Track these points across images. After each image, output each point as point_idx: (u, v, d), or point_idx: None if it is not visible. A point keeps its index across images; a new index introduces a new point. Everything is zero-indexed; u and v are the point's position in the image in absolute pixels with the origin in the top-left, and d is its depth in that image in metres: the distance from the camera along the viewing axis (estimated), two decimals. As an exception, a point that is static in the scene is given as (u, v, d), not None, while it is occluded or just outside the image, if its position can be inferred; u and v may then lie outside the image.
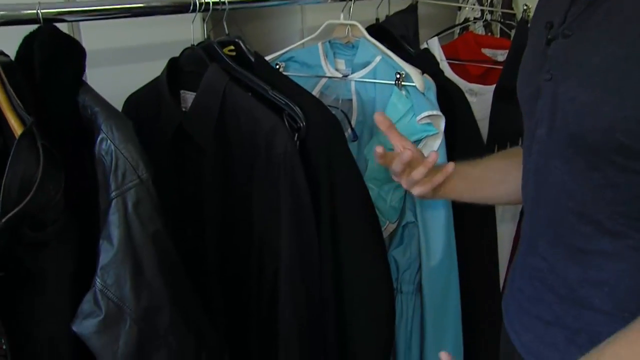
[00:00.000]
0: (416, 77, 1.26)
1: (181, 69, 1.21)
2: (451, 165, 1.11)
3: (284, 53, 1.44)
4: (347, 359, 1.20)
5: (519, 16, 1.92)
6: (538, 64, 0.92)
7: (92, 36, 1.29)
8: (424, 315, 1.35)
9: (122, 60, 1.38)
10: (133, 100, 1.24)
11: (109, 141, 0.85)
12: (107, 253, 0.91)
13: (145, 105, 1.22)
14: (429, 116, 1.24)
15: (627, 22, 0.79)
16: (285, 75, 1.25)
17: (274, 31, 1.92)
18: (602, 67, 0.80)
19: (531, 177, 0.95)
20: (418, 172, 1.09)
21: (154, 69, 1.22)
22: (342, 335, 1.18)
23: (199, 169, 1.16)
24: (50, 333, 0.99)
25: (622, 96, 0.77)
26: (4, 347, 1.04)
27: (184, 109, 1.22)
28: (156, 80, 1.21)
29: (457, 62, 1.80)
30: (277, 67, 1.43)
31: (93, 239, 0.93)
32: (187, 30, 1.22)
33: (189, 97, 1.21)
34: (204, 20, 1.24)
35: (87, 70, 0.97)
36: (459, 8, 2.09)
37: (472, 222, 1.37)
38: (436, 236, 1.29)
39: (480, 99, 1.72)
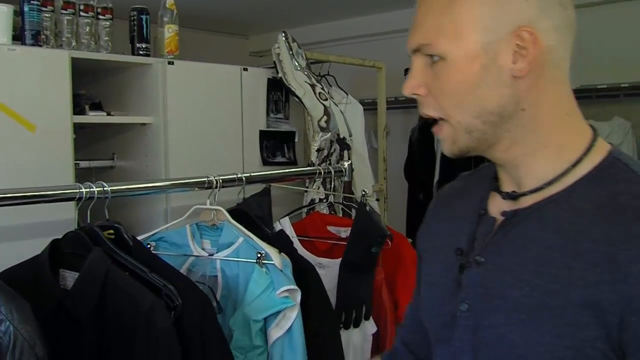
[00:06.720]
0: (275, 256, 1.46)
1: (62, 250, 1.32)
2: None
3: (154, 234, 1.59)
4: None
5: (357, 198, 2.22)
6: (450, 291, 0.85)
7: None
8: None
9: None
10: (5, 277, 1.30)
11: (7, 322, 0.94)
12: None
13: (19, 282, 1.29)
14: (287, 290, 1.42)
15: (548, 252, 0.74)
16: (161, 258, 1.40)
17: (141, 213, 2.07)
18: (528, 302, 0.74)
19: None
20: None
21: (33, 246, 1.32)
22: None
23: (77, 343, 1.24)
24: None
25: (556, 335, 0.72)
26: None
27: (62, 286, 1.31)
28: (35, 259, 1.31)
29: (306, 238, 2.03)
30: (148, 246, 1.56)
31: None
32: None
33: (68, 276, 1.31)
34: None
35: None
36: (306, 190, 2.39)
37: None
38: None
39: (328, 271, 1.94)
